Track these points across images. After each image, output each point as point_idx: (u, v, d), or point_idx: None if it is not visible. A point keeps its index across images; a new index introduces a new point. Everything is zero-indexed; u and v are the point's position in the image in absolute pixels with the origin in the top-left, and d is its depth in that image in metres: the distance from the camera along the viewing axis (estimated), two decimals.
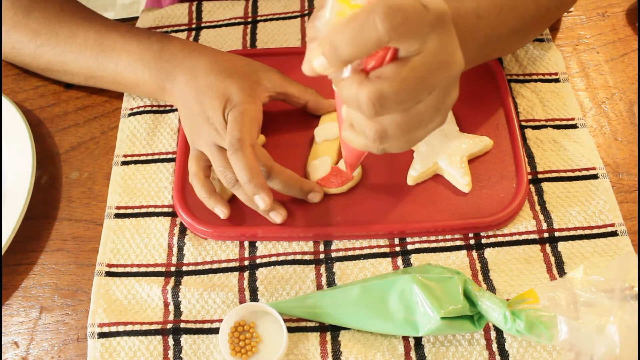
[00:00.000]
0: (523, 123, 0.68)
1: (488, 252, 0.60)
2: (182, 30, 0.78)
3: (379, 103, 0.43)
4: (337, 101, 0.52)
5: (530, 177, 0.64)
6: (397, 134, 0.46)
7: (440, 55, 0.43)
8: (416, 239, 0.61)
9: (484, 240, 0.61)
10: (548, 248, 0.60)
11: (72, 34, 0.68)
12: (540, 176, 0.65)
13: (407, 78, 0.42)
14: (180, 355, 0.56)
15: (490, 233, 0.61)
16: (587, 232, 0.61)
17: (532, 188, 0.64)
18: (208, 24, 0.78)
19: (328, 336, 0.57)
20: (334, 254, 0.61)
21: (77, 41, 0.68)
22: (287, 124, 0.68)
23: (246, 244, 0.62)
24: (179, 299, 0.59)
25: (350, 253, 0.61)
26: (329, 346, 0.56)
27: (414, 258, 0.60)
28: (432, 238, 0.61)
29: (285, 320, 0.56)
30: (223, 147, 0.61)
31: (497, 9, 0.59)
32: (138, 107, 0.71)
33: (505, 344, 0.55)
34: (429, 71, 0.43)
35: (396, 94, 0.42)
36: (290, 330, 0.57)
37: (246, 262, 0.61)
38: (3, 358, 0.58)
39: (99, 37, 0.68)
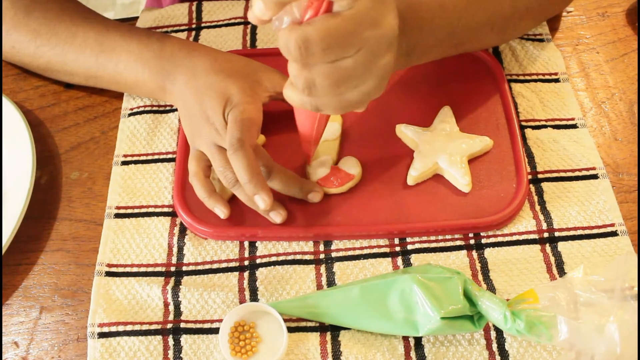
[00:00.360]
0: (523, 123, 0.68)
1: (488, 252, 0.60)
2: (182, 30, 0.78)
3: (305, 46, 0.45)
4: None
5: (530, 177, 0.64)
6: (325, 85, 0.48)
7: (371, 13, 0.47)
8: (416, 239, 0.61)
9: (484, 240, 0.61)
10: (548, 248, 0.60)
11: (72, 34, 0.68)
12: (540, 176, 0.65)
13: (334, 27, 0.46)
14: (180, 355, 0.56)
15: (490, 233, 0.61)
16: (587, 232, 0.61)
17: (532, 188, 0.64)
18: (208, 24, 0.78)
19: (328, 336, 0.57)
20: (334, 254, 0.61)
21: (77, 41, 0.68)
22: (287, 124, 0.68)
23: (246, 244, 0.62)
24: (179, 299, 0.59)
25: (350, 253, 0.61)
26: (329, 346, 0.56)
27: (414, 258, 0.60)
28: (432, 238, 0.61)
29: (285, 320, 0.56)
30: (223, 147, 0.61)
31: (465, 1, 0.61)
32: (138, 107, 0.71)
33: (505, 344, 0.55)
34: (356, 25, 0.46)
35: (321, 39, 0.45)
36: (290, 330, 0.57)
37: (246, 262, 0.61)
38: (3, 358, 0.58)
39: (99, 37, 0.68)
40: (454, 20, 0.60)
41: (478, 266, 0.60)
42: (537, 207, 0.63)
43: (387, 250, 0.61)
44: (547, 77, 0.71)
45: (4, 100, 0.70)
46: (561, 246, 0.60)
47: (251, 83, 0.63)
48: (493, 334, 0.56)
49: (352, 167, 0.64)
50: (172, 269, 0.61)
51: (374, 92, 0.51)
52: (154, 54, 0.66)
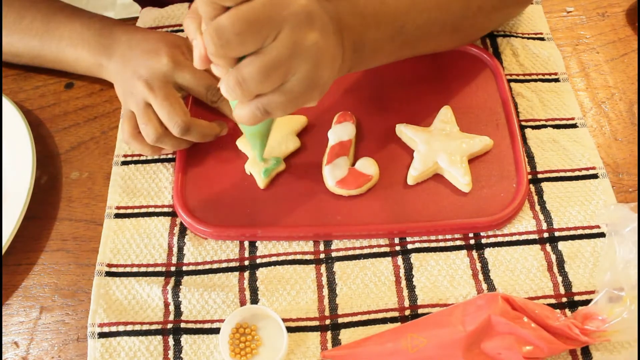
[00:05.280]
0: (523, 123, 0.68)
1: (488, 252, 0.61)
2: (182, 30, 0.78)
3: (217, 33, 0.46)
4: None
5: (530, 177, 0.64)
6: (253, 74, 0.48)
7: None
8: (416, 238, 0.61)
9: (484, 240, 0.61)
10: (548, 248, 0.60)
11: (20, 17, 0.71)
12: (540, 176, 0.65)
13: (245, 10, 0.46)
14: (181, 355, 0.56)
15: (490, 233, 0.61)
16: (587, 231, 0.61)
17: (532, 188, 0.64)
18: None
19: (328, 336, 0.57)
20: (334, 254, 0.61)
21: (23, 22, 0.71)
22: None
23: (246, 244, 0.62)
24: (179, 299, 0.59)
25: (350, 253, 0.61)
26: (329, 346, 0.56)
27: (414, 257, 0.60)
28: (432, 238, 0.61)
29: (285, 320, 0.56)
30: (150, 105, 0.63)
31: None
32: None
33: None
34: (266, 7, 0.47)
35: (232, 24, 0.46)
36: (290, 330, 0.57)
37: (246, 262, 0.61)
38: (3, 358, 0.58)
39: (45, 19, 0.71)
40: (400, 15, 0.60)
41: (478, 266, 0.60)
42: (537, 207, 0.63)
43: (387, 249, 0.61)
44: (547, 76, 0.71)
45: (4, 100, 0.70)
46: (561, 246, 0.60)
47: (182, 48, 0.67)
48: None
49: (368, 167, 0.64)
50: (172, 269, 0.61)
51: (314, 79, 0.50)
52: (94, 32, 0.69)
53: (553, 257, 0.60)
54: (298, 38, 0.48)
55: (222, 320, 0.57)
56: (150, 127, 0.62)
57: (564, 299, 0.57)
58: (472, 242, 0.61)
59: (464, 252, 0.61)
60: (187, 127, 0.62)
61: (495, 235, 0.61)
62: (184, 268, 0.61)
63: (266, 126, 0.59)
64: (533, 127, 0.68)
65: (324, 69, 0.51)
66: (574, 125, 0.68)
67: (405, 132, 0.66)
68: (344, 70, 0.57)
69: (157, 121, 0.63)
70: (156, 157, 0.68)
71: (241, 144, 0.66)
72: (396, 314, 0.58)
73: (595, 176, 0.64)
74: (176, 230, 0.63)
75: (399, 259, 0.60)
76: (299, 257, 0.61)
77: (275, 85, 0.49)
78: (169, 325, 0.58)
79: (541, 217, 0.62)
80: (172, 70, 0.64)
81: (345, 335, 0.57)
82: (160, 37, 0.67)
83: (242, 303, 0.59)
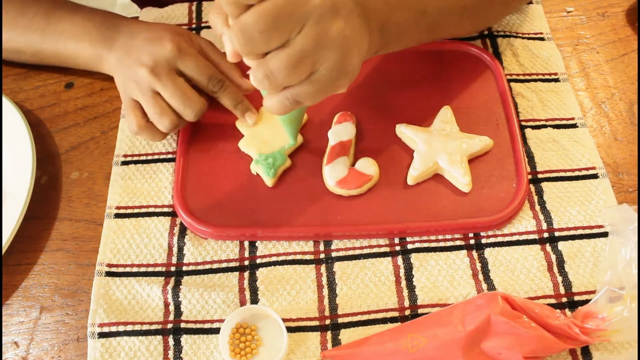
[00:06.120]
0: (523, 123, 0.68)
1: (488, 252, 0.61)
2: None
3: (242, 33, 0.47)
4: None
5: (530, 177, 0.64)
6: (281, 67, 0.48)
7: None
8: (416, 238, 0.61)
9: (484, 240, 0.61)
10: (548, 248, 0.60)
11: (21, 12, 0.71)
12: (540, 176, 0.65)
13: (266, 8, 0.46)
14: (181, 355, 0.56)
15: (490, 233, 0.61)
16: (587, 231, 0.61)
17: (532, 188, 0.64)
18: (208, 24, 0.78)
19: (328, 336, 0.57)
20: (334, 254, 0.61)
21: (25, 17, 0.70)
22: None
23: (246, 244, 0.62)
24: (179, 299, 0.59)
25: (350, 253, 0.61)
26: (329, 346, 0.56)
27: (414, 257, 0.60)
28: (432, 238, 0.61)
29: (285, 320, 0.56)
30: (158, 92, 0.63)
31: None
32: None
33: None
34: (288, 2, 0.47)
35: (256, 22, 0.46)
36: (291, 330, 0.57)
37: (246, 262, 0.61)
38: (3, 358, 0.58)
39: (47, 13, 0.70)
40: (424, 0, 0.61)
41: (478, 266, 0.60)
42: (537, 207, 0.63)
43: (387, 249, 0.61)
44: (547, 76, 0.71)
45: (4, 100, 0.70)
46: (561, 246, 0.60)
47: (184, 36, 0.67)
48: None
49: (368, 167, 0.64)
50: (172, 269, 0.61)
51: (343, 67, 0.51)
52: (96, 24, 0.69)
53: (553, 257, 0.60)
54: (323, 29, 0.49)
55: (222, 320, 0.57)
56: (165, 117, 0.62)
57: (564, 299, 0.58)
58: (472, 242, 0.61)
59: (464, 252, 0.61)
60: (203, 110, 0.63)
61: (495, 235, 0.61)
62: (184, 268, 0.61)
63: (298, 112, 0.60)
64: (533, 127, 0.68)
65: (352, 56, 0.51)
66: (574, 125, 0.68)
67: (405, 132, 0.66)
68: (370, 53, 0.57)
69: (170, 110, 0.63)
70: (156, 158, 0.68)
71: (243, 145, 0.66)
72: (396, 314, 0.58)
73: (595, 176, 0.64)
74: (176, 230, 0.63)
75: (399, 259, 0.60)
76: (299, 257, 0.61)
77: (303, 77, 0.50)
78: (169, 325, 0.58)
79: (541, 217, 0.62)
80: (175, 57, 0.64)
81: (345, 335, 0.57)
82: (163, 27, 0.67)
83: (242, 303, 0.59)
